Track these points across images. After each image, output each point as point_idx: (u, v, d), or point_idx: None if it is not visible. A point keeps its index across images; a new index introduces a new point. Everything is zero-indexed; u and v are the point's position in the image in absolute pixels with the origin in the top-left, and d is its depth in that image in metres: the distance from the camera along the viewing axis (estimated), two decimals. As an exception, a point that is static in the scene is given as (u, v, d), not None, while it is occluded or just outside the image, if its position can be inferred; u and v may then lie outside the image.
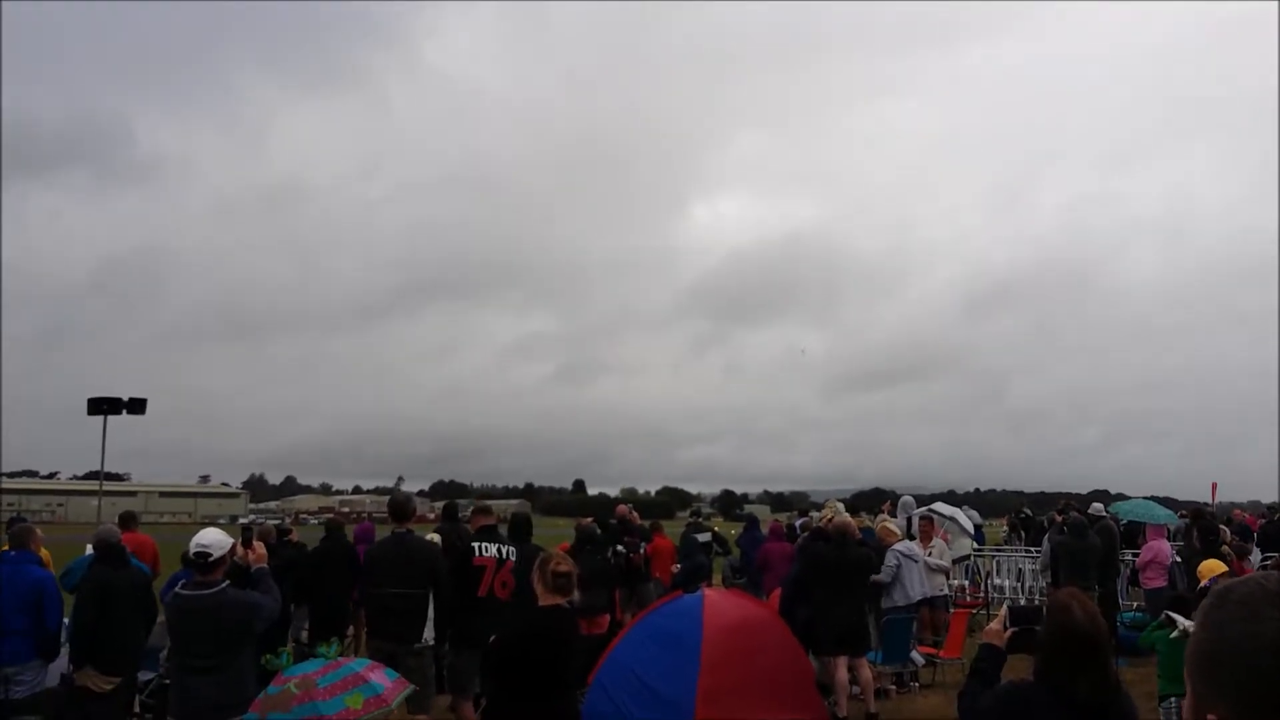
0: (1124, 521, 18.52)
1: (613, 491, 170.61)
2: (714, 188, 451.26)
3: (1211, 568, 9.16)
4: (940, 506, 17.17)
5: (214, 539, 6.28)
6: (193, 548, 6.22)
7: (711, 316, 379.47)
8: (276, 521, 16.33)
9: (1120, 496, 26.96)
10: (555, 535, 22.44)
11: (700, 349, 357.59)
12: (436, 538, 10.46)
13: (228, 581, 6.26)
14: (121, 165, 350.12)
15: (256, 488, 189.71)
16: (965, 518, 17.58)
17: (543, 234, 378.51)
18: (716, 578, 16.93)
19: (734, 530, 31.50)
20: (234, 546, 6.49)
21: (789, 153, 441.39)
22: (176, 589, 6.49)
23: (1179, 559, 13.28)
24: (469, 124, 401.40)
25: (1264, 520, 21.84)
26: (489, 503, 9.71)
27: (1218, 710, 1.12)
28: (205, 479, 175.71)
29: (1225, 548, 11.29)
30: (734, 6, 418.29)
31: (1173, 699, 7.32)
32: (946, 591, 13.36)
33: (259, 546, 6.77)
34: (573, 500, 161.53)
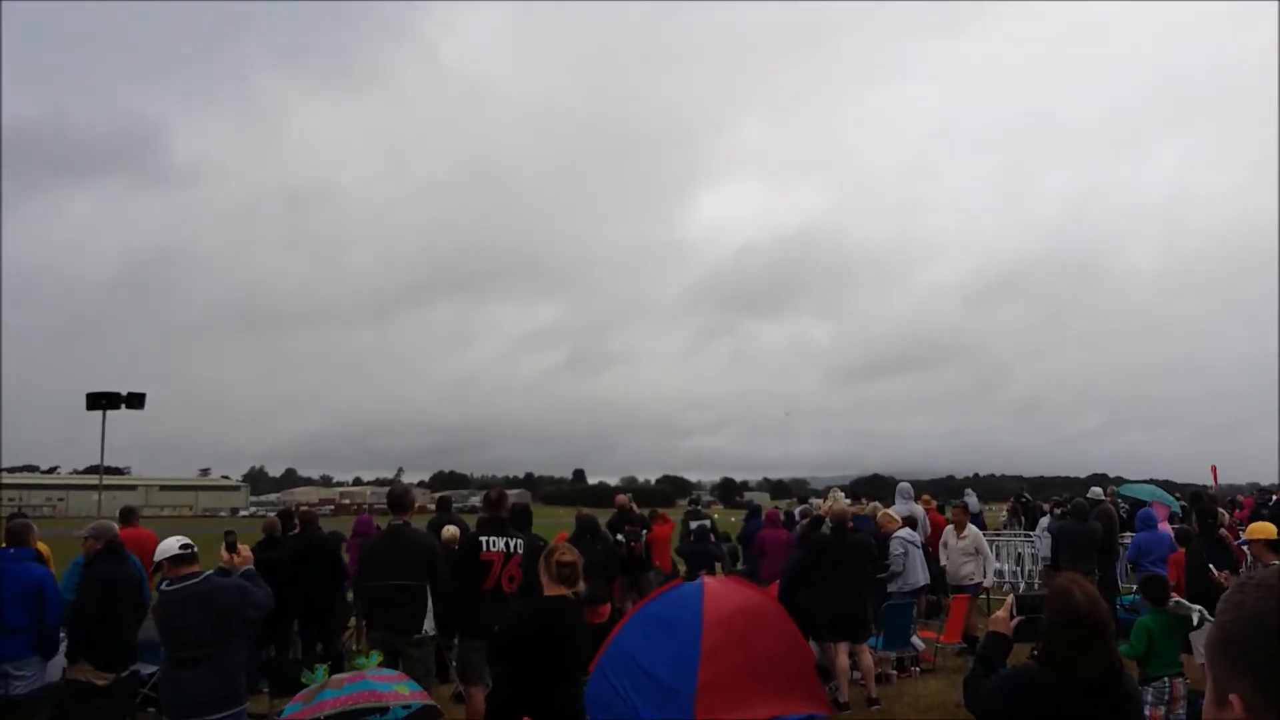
0: (1124, 507, 18.56)
1: (613, 481, 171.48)
2: (721, 177, 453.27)
3: (1263, 529, 9.13)
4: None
5: (182, 538, 6.39)
6: (176, 547, 6.23)
7: (718, 307, 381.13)
8: (282, 509, 16.19)
9: (1119, 480, 27.04)
10: (555, 525, 22.49)
11: (706, 339, 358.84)
12: (455, 530, 10.38)
13: (212, 571, 6.27)
14: (144, 167, 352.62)
15: (257, 480, 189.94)
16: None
17: (552, 226, 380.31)
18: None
19: (734, 518, 31.58)
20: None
21: (795, 141, 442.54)
22: (161, 587, 6.46)
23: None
24: (480, 119, 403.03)
25: (1262, 503, 21.82)
26: (501, 493, 9.58)
27: (1238, 691, 1.13)
28: (205, 472, 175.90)
29: (1223, 531, 11.25)
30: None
31: (1165, 679, 7.32)
32: (980, 580, 13.23)
33: (244, 550, 6.75)
34: (573, 490, 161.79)
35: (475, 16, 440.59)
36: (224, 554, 6.69)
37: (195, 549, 6.23)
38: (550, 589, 5.66)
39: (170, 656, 6.18)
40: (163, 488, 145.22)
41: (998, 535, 21.56)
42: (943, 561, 13.43)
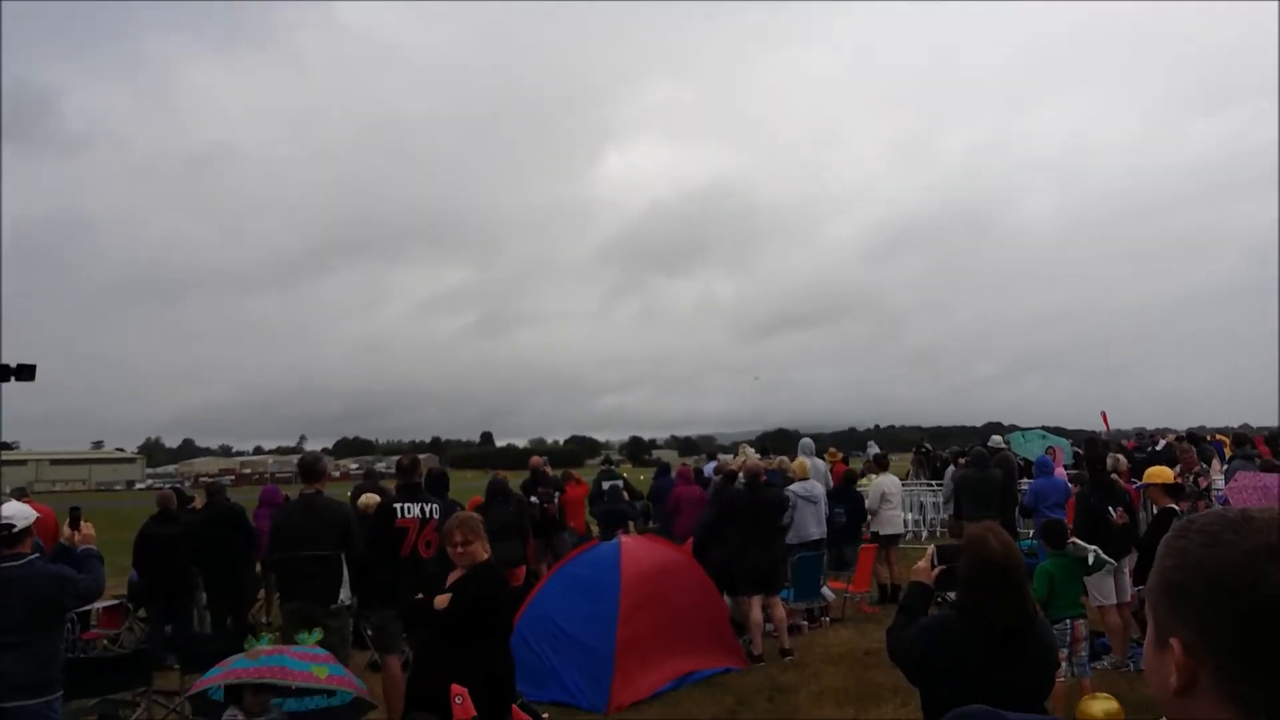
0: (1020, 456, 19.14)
1: (521, 443, 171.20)
2: (629, 137, 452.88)
3: (1160, 473, 9.52)
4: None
5: (16, 510, 6.10)
6: None
7: (627, 265, 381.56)
8: (176, 486, 15.80)
9: (1013, 428, 27.87)
10: (464, 488, 22.31)
11: (616, 297, 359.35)
12: (374, 498, 10.22)
13: (36, 555, 6.06)
14: (35, 133, 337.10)
15: (153, 452, 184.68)
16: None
17: (459, 188, 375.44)
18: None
19: (643, 476, 31.78)
20: (38, 521, 6.29)
21: (702, 100, 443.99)
22: None
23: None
24: (382, 79, 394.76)
25: (1140, 448, 22.52)
26: (413, 459, 9.50)
27: (1180, 635, 1.15)
28: (99, 445, 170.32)
29: (1114, 476, 11.67)
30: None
31: (1066, 620, 7.57)
32: (903, 530, 13.57)
33: (86, 527, 6.48)
34: (481, 453, 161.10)
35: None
36: (65, 529, 6.42)
37: (16, 528, 5.97)
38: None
39: None
40: (54, 462, 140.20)
41: (902, 484, 22.03)
42: None
